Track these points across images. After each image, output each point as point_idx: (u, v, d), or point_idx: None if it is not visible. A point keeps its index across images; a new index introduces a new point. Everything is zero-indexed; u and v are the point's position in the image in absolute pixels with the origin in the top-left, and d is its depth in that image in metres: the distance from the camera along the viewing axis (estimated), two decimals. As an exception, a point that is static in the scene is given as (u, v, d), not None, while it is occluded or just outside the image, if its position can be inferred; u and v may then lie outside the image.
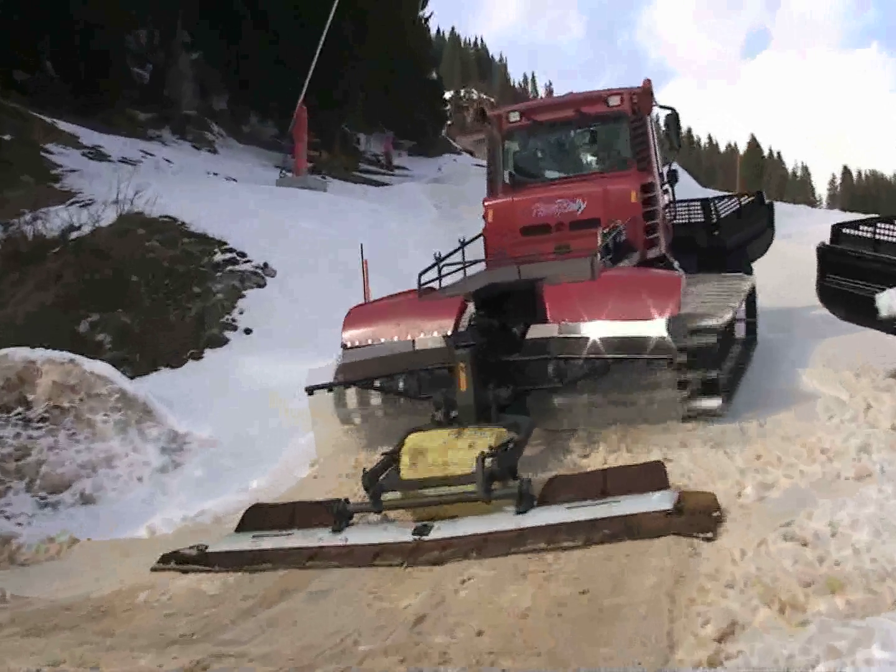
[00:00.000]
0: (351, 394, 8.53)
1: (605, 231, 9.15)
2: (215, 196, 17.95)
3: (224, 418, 10.04)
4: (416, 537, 6.11)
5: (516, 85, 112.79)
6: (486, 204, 10.65)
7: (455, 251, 9.58)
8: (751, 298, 10.50)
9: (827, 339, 9.86)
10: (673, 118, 10.93)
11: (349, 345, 8.60)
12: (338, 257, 15.36)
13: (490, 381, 7.36)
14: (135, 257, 13.90)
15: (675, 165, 11.77)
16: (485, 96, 79.74)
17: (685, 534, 5.31)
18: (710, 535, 5.27)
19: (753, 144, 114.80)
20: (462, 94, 78.24)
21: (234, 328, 13.14)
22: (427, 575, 5.49)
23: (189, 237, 15.19)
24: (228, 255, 14.98)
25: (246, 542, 6.57)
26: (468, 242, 9.88)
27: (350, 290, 12.34)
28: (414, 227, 20.68)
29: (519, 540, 5.76)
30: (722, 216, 12.79)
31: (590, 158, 11.12)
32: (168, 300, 13.30)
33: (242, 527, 6.86)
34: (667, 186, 11.24)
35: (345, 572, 5.84)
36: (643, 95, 10.41)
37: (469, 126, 51.72)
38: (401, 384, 8.09)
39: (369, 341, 8.48)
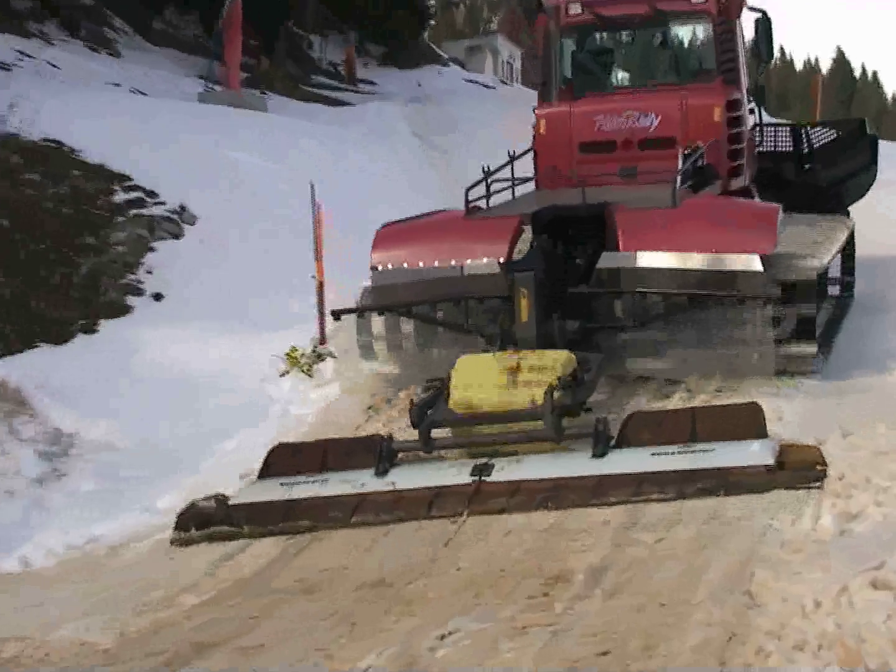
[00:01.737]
0: (378, 322, 9.52)
1: (686, 152, 9.89)
2: (117, 114, 17.85)
3: (125, 413, 10.02)
4: (477, 478, 6.83)
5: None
6: (537, 113, 11.45)
7: (504, 165, 10.43)
8: (849, 248, 11.42)
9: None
10: (764, 23, 11.48)
11: (380, 267, 9.57)
12: (282, 200, 15.34)
13: (554, 313, 8.18)
14: (5, 195, 13.80)
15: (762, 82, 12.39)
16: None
17: (788, 488, 6.16)
18: (818, 485, 6.16)
19: (840, 62, 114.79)
20: (452, -16, 77.95)
21: (140, 292, 13.11)
22: (396, 626, 5.48)
23: (80, 169, 15.13)
24: (133, 195, 14.94)
25: (274, 491, 7.24)
26: (518, 157, 10.75)
27: (298, 244, 12.34)
28: (386, 162, 20.67)
29: (599, 489, 6.50)
30: (815, 146, 13.43)
31: (665, 66, 11.88)
32: (51, 254, 13.23)
33: (267, 471, 7.56)
34: (753, 106, 11.92)
35: (287, 622, 5.82)
36: None
37: (461, 28, 51.64)
38: (440, 314, 9.18)
39: (405, 264, 9.43)
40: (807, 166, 13.39)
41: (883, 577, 4.97)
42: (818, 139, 13.58)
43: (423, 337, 9.42)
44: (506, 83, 48.77)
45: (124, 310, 12.76)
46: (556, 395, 7.10)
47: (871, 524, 5.77)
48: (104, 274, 13.20)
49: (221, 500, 7.35)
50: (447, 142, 24.41)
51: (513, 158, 10.62)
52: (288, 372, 10.63)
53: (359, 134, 23.24)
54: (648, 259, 8.59)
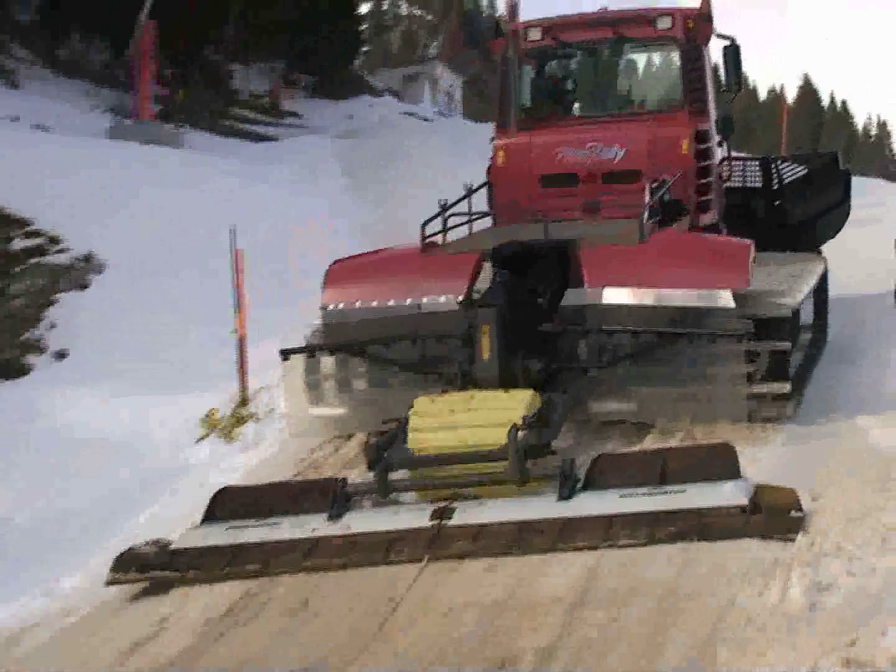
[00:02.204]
0: (328, 363, 9.66)
1: (653, 186, 10.11)
2: (15, 152, 17.73)
3: (23, 485, 9.90)
4: (437, 522, 6.98)
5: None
6: (495, 143, 11.66)
7: (461, 199, 10.65)
8: (822, 288, 11.63)
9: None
10: (732, 51, 11.70)
11: (332, 306, 9.80)
12: (198, 246, 15.28)
13: (518, 352, 8.46)
14: None
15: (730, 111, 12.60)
16: (420, 11, 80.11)
17: (762, 537, 6.36)
18: (792, 536, 6.33)
19: (807, 90, 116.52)
20: (385, 7, 78.60)
21: (41, 350, 13.00)
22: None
23: (-28, 214, 15.00)
24: (34, 242, 14.85)
25: (220, 535, 7.36)
26: (475, 190, 11.00)
27: (216, 294, 12.28)
28: (314, 203, 20.64)
29: (566, 532, 6.70)
30: (786, 181, 13.74)
31: (630, 94, 12.27)
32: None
33: (211, 516, 7.65)
34: (720, 138, 12.11)
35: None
36: (700, 19, 11.34)
37: (396, 55, 52.00)
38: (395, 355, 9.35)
39: (358, 303, 9.68)
40: (777, 202, 13.64)
41: (856, 656, 5.00)
42: (789, 174, 13.84)
43: (376, 378, 9.61)
44: (445, 115, 49.09)
45: (23, 370, 12.66)
46: (520, 434, 7.27)
47: (843, 596, 5.80)
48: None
49: (162, 544, 7.50)
50: (381, 180, 24.41)
51: (470, 192, 10.85)
52: (206, 436, 10.58)
53: (284, 172, 23.26)
54: (615, 296, 8.83)
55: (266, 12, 38.37)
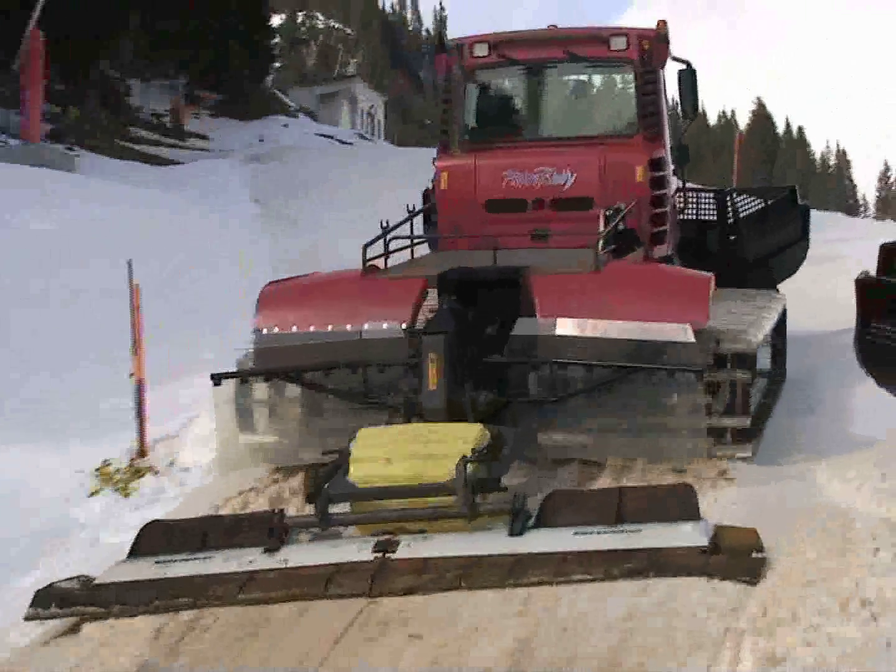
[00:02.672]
0: (261, 389, 9.92)
1: (608, 213, 10.42)
2: None
3: None
4: (381, 554, 7.22)
5: (388, 8, 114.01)
6: (438, 165, 12.00)
7: (403, 222, 11.05)
8: (781, 326, 12.02)
9: (873, 424, 10.18)
10: (689, 75, 12.11)
11: (265, 330, 10.05)
12: (89, 281, 15.19)
13: (465, 382, 8.77)
14: None
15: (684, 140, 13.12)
16: (338, 25, 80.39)
17: (723, 577, 6.66)
18: (752, 579, 6.66)
19: (761, 115, 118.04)
20: (300, 20, 78.85)
21: None
22: None
23: None
24: None
25: (147, 570, 7.56)
26: (418, 213, 11.51)
27: (108, 333, 12.21)
28: (219, 234, 20.60)
29: (518, 568, 6.94)
30: (741, 215, 14.07)
31: (582, 117, 12.85)
32: None
33: (137, 551, 7.88)
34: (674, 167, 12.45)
35: None
36: (657, 41, 11.63)
37: (312, 72, 52.14)
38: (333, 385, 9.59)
39: (294, 328, 9.91)
40: (732, 237, 13.94)
41: (813, 735, 5.04)
42: (744, 208, 14.15)
43: (312, 406, 9.82)
44: (366, 138, 49.23)
45: None
46: (469, 468, 7.45)
47: (799, 669, 5.85)
48: None
49: (84, 579, 7.65)
50: (295, 208, 24.47)
51: (412, 214, 11.28)
52: (98, 491, 10.45)
53: (187, 199, 23.22)
54: (569, 327, 9.09)
55: (167, 22, 38.11)
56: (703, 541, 6.95)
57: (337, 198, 24.49)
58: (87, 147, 28.84)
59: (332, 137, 42.71)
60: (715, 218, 14.09)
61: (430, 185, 12.38)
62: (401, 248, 11.03)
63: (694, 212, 13.97)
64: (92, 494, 10.44)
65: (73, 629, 7.39)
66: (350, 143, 42.13)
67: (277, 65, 54.65)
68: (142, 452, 10.87)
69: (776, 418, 10.91)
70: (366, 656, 6.46)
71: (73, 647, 7.14)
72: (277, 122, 43.95)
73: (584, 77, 12.59)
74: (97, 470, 10.58)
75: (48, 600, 7.45)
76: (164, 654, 6.86)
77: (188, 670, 6.65)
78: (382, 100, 60.97)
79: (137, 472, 10.55)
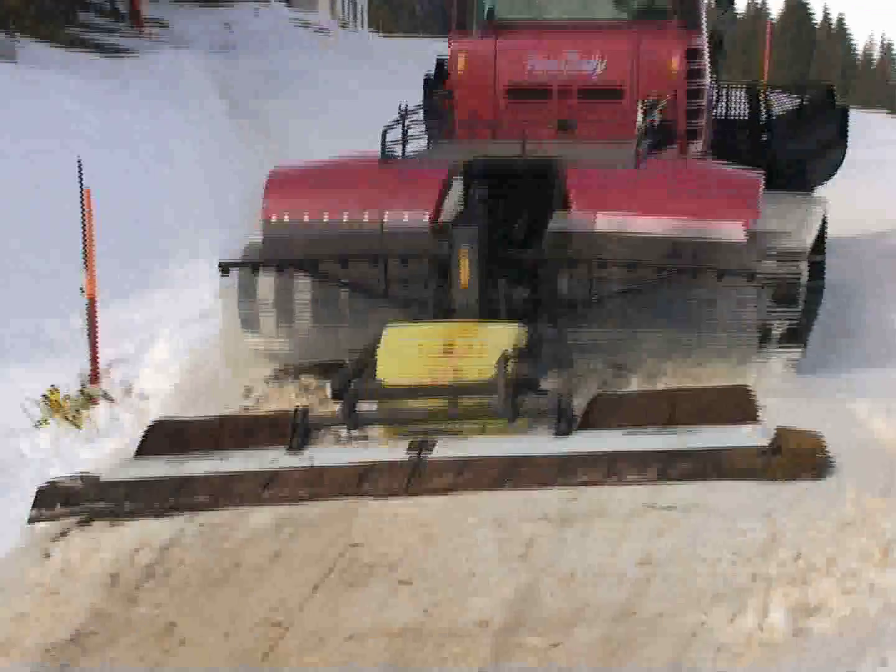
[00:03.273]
0: (267, 284, 10.10)
1: (647, 105, 10.64)
2: None
3: None
4: (415, 454, 7.54)
5: None
6: (453, 47, 12.04)
7: (417, 109, 11.21)
8: (821, 235, 12.12)
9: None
10: None
11: (275, 219, 10.23)
12: (33, 185, 15.12)
13: (499, 279, 9.09)
14: None
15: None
16: None
17: (786, 478, 7.10)
18: (818, 475, 7.15)
19: (795, 3, 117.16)
20: None
21: None
22: None
23: None
24: None
25: (158, 468, 7.89)
26: (439, 98, 11.79)
27: (55, 245, 12.19)
28: (182, 133, 20.46)
29: (567, 467, 7.30)
30: (774, 114, 14.22)
31: None
32: None
33: (146, 449, 8.28)
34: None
35: None
36: None
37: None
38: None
39: (306, 217, 10.09)
40: (764, 138, 14.05)
41: (852, 693, 5.04)
42: (778, 106, 14.24)
43: (325, 303, 9.99)
44: (347, 26, 48.89)
45: None
46: (510, 366, 7.74)
47: (835, 621, 5.84)
48: None
49: (88, 477, 7.91)
50: (267, 106, 24.27)
51: (432, 97, 11.68)
52: (46, 421, 10.44)
53: (144, 94, 22.91)
54: (608, 223, 9.30)
55: None
56: (764, 442, 7.35)
57: (315, 94, 24.30)
58: (29, 34, 28.56)
59: (308, 26, 42.33)
60: (746, 116, 14.16)
61: (433, 73, 12.53)
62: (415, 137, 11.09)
63: (724, 109, 14.03)
64: (38, 425, 10.42)
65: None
66: (329, 32, 41.81)
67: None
68: (94, 378, 10.82)
69: (812, 340, 10.91)
70: (347, 606, 6.48)
71: (16, 598, 7.13)
72: (247, 8, 43.46)
73: None
74: (44, 398, 10.53)
75: (53, 499, 7.68)
76: (119, 603, 6.88)
77: (146, 622, 6.66)
78: (367, -18, 60.46)
79: (90, 400, 10.51)
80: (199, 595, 6.83)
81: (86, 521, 7.73)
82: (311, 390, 10.09)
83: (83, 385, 10.71)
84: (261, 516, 7.53)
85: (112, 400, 10.47)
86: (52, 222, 13.80)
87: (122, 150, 17.74)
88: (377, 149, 10.53)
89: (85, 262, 10.89)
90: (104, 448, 9.85)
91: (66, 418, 10.31)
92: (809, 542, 6.63)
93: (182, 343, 11.05)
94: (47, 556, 7.53)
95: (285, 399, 9.90)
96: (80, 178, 11.09)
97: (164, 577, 7.06)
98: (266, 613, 6.50)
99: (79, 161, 11.09)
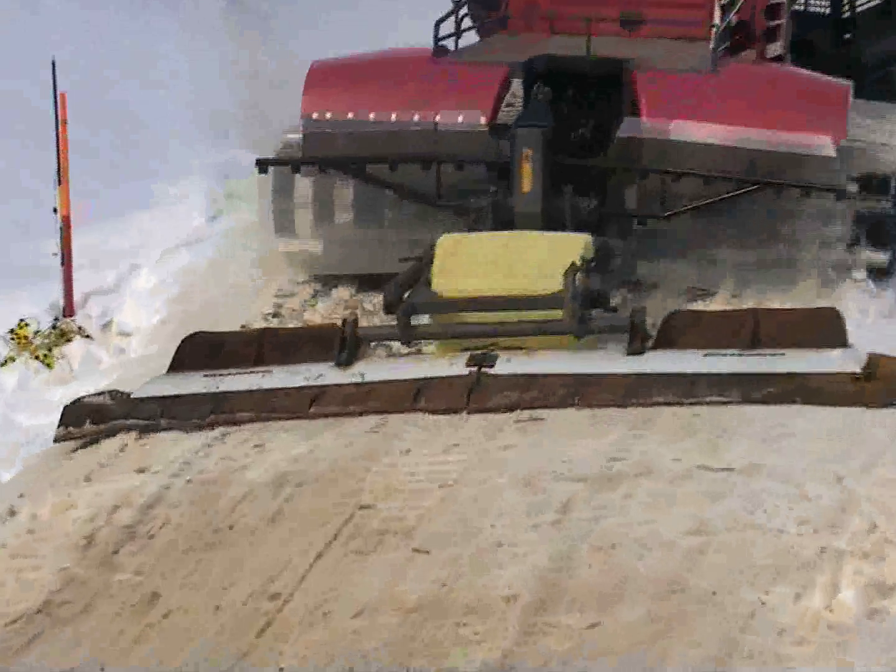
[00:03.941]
0: (305, 185, 10.43)
1: (722, 2, 10.77)
2: None
3: None
4: (476, 368, 7.75)
5: None
6: None
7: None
8: None
9: None
10: None
11: (316, 115, 10.49)
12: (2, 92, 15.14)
13: (564, 187, 9.03)
14: None
15: None
16: None
17: (881, 405, 7.23)
18: None
19: None
20: None
21: None
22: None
23: None
24: None
25: (194, 383, 8.13)
26: None
27: (26, 157, 12.18)
28: (168, 34, 20.39)
29: (640, 387, 7.52)
30: (858, 9, 14.31)
31: None
32: None
33: (179, 364, 8.43)
34: None
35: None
36: None
37: None
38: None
39: (350, 114, 10.17)
40: (847, 36, 14.15)
41: (931, 683, 5.04)
42: (863, 1, 14.19)
43: (368, 208, 10.27)
44: None
45: None
46: (578, 278, 7.82)
47: (914, 601, 5.85)
48: None
49: (117, 394, 8.16)
50: (274, 7, 24.16)
51: None
52: (13, 359, 10.45)
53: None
54: (684, 131, 9.50)
55: None
56: (856, 368, 7.45)
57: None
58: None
59: None
60: (827, 11, 14.28)
61: None
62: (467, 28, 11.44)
63: (802, 1, 14.19)
64: (4, 364, 10.43)
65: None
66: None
67: None
68: (69, 311, 10.80)
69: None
70: (354, 576, 6.48)
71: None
72: None
73: None
74: (11, 333, 10.54)
75: (80, 416, 7.92)
76: (95, 568, 6.89)
77: (126, 590, 6.67)
78: None
79: (63, 336, 10.52)
80: (187, 561, 6.84)
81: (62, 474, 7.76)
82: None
83: (56, 319, 10.71)
84: (258, 472, 7.52)
85: (88, 336, 10.50)
86: (25, 132, 13.78)
87: (94, 51, 17.67)
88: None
89: (58, 176, 10.85)
90: (79, 391, 9.82)
91: (36, 357, 10.33)
92: (886, 513, 6.61)
93: (169, 271, 11.05)
94: (13, 513, 7.55)
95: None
96: (54, 80, 11.02)
97: (147, 539, 7.07)
98: (262, 583, 6.50)
99: (52, 60, 11.03)
